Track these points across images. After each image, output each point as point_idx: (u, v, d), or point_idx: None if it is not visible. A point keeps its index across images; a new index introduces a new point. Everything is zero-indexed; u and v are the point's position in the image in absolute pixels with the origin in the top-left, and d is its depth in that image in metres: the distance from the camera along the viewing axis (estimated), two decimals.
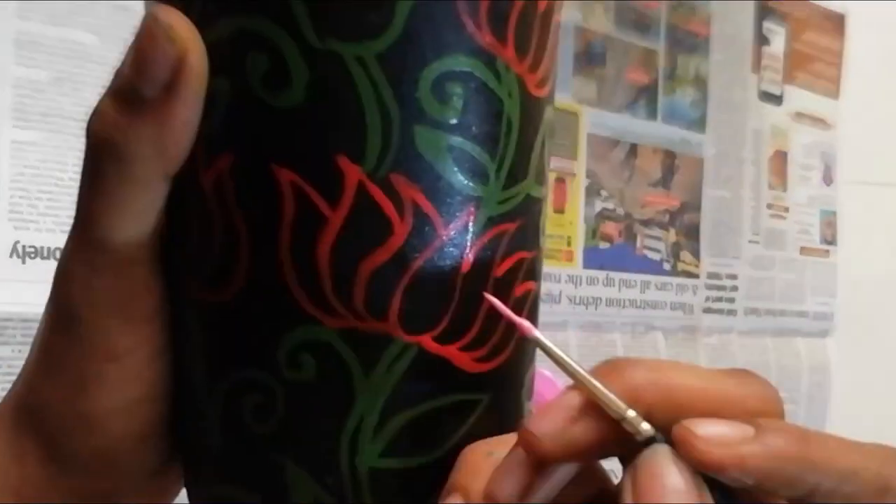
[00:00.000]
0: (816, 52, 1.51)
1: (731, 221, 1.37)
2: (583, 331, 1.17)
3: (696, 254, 1.32)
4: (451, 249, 0.29)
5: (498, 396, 0.31)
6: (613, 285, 1.20)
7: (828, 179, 1.52)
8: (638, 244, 1.25)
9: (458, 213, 0.29)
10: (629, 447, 0.26)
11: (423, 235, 0.28)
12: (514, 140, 0.30)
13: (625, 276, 1.22)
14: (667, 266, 1.28)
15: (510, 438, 0.27)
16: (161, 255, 0.30)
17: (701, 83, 1.33)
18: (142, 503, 0.33)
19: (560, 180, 1.15)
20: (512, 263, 0.30)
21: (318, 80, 0.28)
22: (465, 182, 0.29)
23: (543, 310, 0.33)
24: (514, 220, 0.30)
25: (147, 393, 0.31)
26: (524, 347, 0.31)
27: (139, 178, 0.28)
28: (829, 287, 1.51)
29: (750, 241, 1.40)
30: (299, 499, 0.29)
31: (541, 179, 0.32)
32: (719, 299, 1.35)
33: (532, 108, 0.30)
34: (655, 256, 1.27)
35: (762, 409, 0.26)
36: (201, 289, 0.30)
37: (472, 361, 0.30)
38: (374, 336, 0.28)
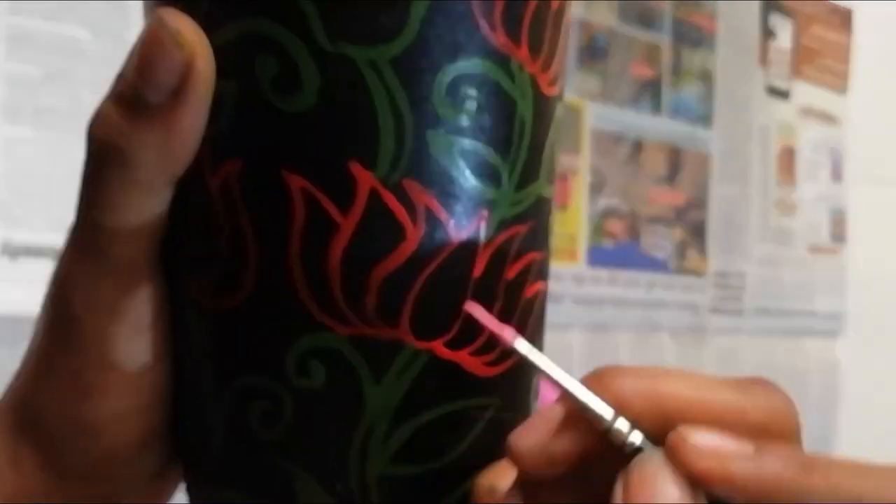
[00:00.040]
0: (823, 47, 1.50)
1: (739, 219, 1.37)
2: (587, 332, 1.16)
3: (702, 252, 1.31)
4: (463, 253, 0.29)
5: (507, 400, 0.31)
6: (618, 284, 1.19)
7: (836, 176, 1.51)
8: (643, 242, 1.24)
9: (470, 217, 0.29)
10: (619, 458, 0.26)
11: (435, 241, 0.28)
12: (526, 141, 0.30)
13: (630, 274, 1.21)
14: (673, 265, 1.27)
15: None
16: (162, 260, 0.30)
17: (707, 78, 1.32)
18: None
19: (562, 177, 1.14)
20: (523, 265, 0.30)
21: (330, 84, 0.28)
22: (478, 185, 0.29)
23: (547, 310, 0.33)
24: (525, 221, 0.30)
25: (147, 399, 0.31)
26: None
27: (142, 182, 0.28)
28: (839, 286, 1.50)
29: (757, 240, 1.39)
30: None
31: (551, 179, 0.32)
32: (726, 298, 1.34)
33: (544, 108, 0.30)
34: (661, 255, 1.26)
35: (766, 423, 0.26)
36: (207, 294, 0.30)
37: (482, 366, 0.29)
38: (384, 343, 0.28)
